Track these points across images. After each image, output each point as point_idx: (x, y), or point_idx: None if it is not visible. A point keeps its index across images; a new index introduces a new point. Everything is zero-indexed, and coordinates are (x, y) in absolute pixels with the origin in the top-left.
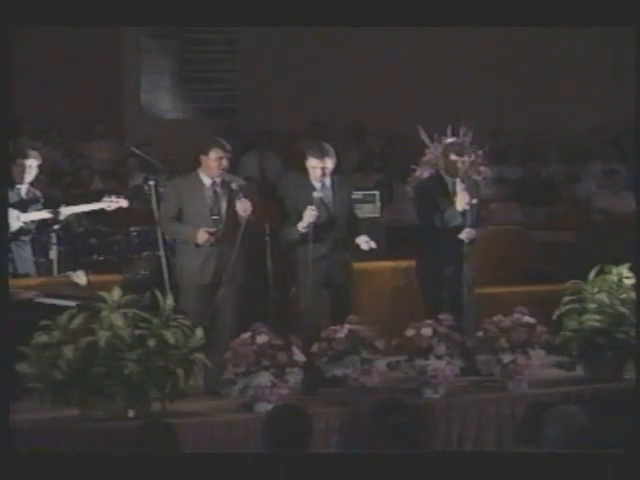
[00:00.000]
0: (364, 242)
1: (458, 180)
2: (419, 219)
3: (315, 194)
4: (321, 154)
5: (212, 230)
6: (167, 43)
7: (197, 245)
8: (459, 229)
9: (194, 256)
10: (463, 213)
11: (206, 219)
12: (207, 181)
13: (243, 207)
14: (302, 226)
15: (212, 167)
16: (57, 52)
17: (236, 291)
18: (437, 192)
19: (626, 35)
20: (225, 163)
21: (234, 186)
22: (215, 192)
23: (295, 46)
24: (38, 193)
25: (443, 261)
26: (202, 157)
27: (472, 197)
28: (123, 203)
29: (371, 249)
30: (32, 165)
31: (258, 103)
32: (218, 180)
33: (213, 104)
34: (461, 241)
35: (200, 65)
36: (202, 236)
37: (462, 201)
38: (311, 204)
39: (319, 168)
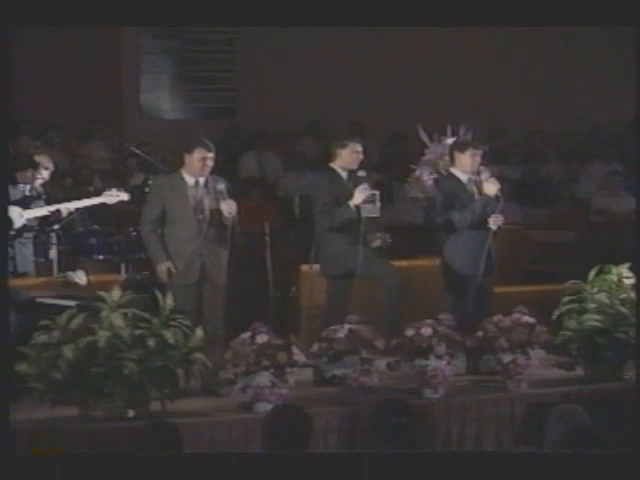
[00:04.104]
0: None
1: (482, 169)
2: (443, 218)
3: (360, 173)
4: (357, 142)
5: (170, 265)
6: (167, 43)
7: (181, 244)
8: (484, 220)
9: (179, 256)
10: (487, 202)
11: (190, 219)
12: (190, 181)
13: (228, 207)
14: (354, 202)
15: (195, 167)
16: (57, 52)
17: (227, 291)
18: (456, 189)
19: (626, 35)
20: (209, 163)
21: (219, 187)
22: (198, 192)
23: (295, 46)
24: (40, 189)
25: (471, 255)
26: (186, 156)
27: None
28: (124, 197)
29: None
30: (44, 177)
31: (258, 103)
32: (202, 180)
33: (213, 104)
34: (487, 233)
35: (200, 65)
36: (162, 269)
37: (492, 188)
38: (339, 193)
39: (361, 153)
